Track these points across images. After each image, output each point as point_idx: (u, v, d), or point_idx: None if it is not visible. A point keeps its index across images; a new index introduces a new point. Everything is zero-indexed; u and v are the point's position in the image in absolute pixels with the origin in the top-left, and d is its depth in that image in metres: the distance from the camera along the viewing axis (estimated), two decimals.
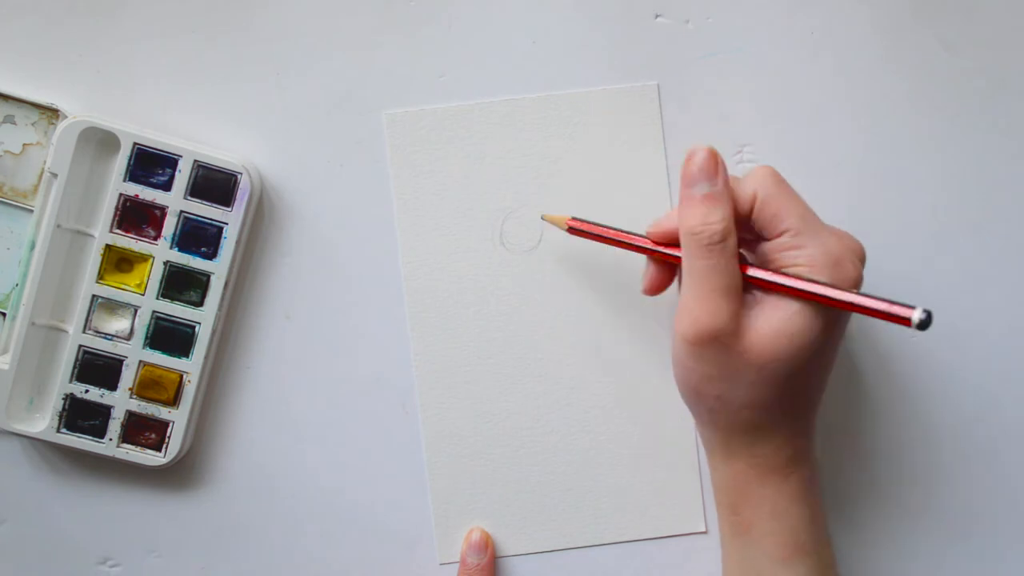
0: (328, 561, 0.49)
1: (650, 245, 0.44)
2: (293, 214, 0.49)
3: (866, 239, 0.49)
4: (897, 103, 0.49)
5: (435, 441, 0.49)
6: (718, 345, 0.41)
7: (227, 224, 0.47)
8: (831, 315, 0.41)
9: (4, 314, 0.48)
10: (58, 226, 0.46)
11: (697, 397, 0.43)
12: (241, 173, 0.47)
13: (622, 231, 0.45)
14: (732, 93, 0.49)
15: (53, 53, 0.48)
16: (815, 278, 0.40)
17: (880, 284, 0.49)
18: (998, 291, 0.49)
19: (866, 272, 0.49)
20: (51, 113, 0.47)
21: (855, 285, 0.41)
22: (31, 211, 0.47)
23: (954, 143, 0.49)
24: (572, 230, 0.46)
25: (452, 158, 0.49)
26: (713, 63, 0.49)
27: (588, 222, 0.46)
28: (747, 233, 0.43)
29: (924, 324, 0.38)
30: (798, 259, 0.41)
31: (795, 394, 0.42)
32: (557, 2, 0.48)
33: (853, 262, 0.41)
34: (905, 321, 0.38)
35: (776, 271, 0.41)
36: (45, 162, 0.47)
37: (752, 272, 0.41)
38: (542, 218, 0.48)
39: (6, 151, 0.47)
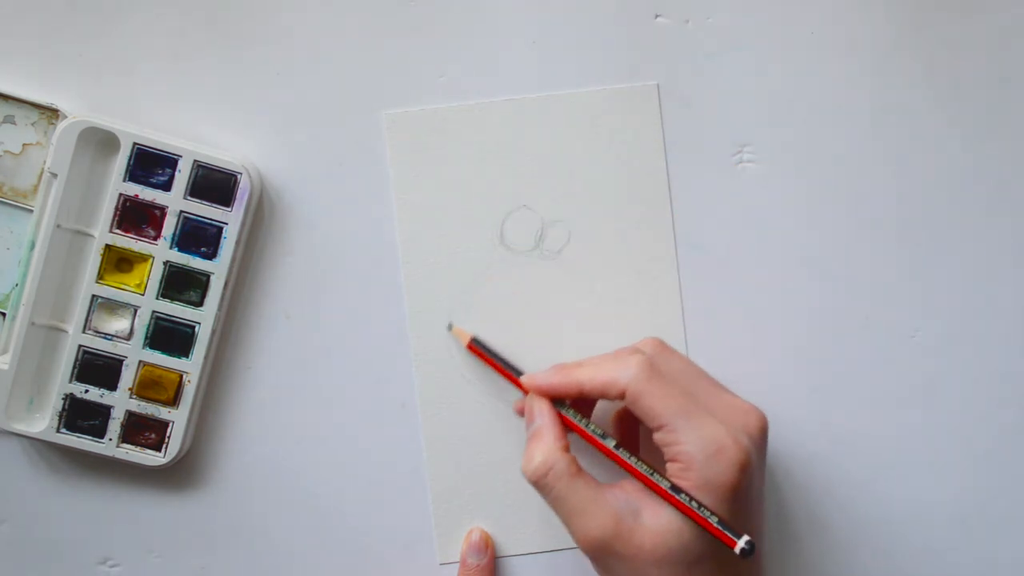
0: (328, 561, 0.49)
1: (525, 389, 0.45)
2: (293, 214, 0.49)
3: (865, 239, 0.49)
4: (896, 102, 0.49)
5: (435, 441, 0.49)
6: (609, 552, 0.41)
7: (227, 224, 0.47)
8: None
9: (4, 314, 0.48)
10: (58, 226, 0.46)
11: None
12: (241, 173, 0.47)
13: (509, 367, 0.47)
14: (732, 93, 0.49)
15: (53, 53, 0.48)
16: (666, 479, 0.41)
17: (879, 285, 0.49)
18: (998, 293, 0.49)
19: (863, 275, 0.49)
20: (51, 113, 0.47)
21: (741, 469, 0.41)
22: (31, 211, 0.47)
23: (954, 143, 0.49)
24: (471, 349, 0.48)
25: (452, 158, 0.49)
26: (713, 63, 0.49)
27: (485, 349, 0.47)
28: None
29: (746, 553, 0.40)
30: (677, 454, 0.41)
31: None
32: (557, 2, 0.48)
33: (738, 445, 0.41)
34: (731, 543, 0.40)
35: (625, 452, 0.43)
36: (45, 162, 0.47)
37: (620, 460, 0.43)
38: (448, 328, 0.49)
39: (6, 151, 0.47)
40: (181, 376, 0.47)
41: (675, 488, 0.41)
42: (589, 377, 0.43)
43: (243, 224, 0.47)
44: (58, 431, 0.47)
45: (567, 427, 0.44)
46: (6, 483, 0.49)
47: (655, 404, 0.41)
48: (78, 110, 0.48)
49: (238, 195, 0.47)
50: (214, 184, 0.47)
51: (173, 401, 0.47)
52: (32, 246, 0.47)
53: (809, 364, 0.49)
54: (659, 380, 0.42)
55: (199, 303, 0.47)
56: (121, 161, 0.47)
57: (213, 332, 0.47)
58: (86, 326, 0.47)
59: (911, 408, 0.49)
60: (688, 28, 0.49)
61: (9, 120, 0.47)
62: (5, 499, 0.49)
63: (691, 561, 0.41)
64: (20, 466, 0.49)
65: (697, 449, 0.41)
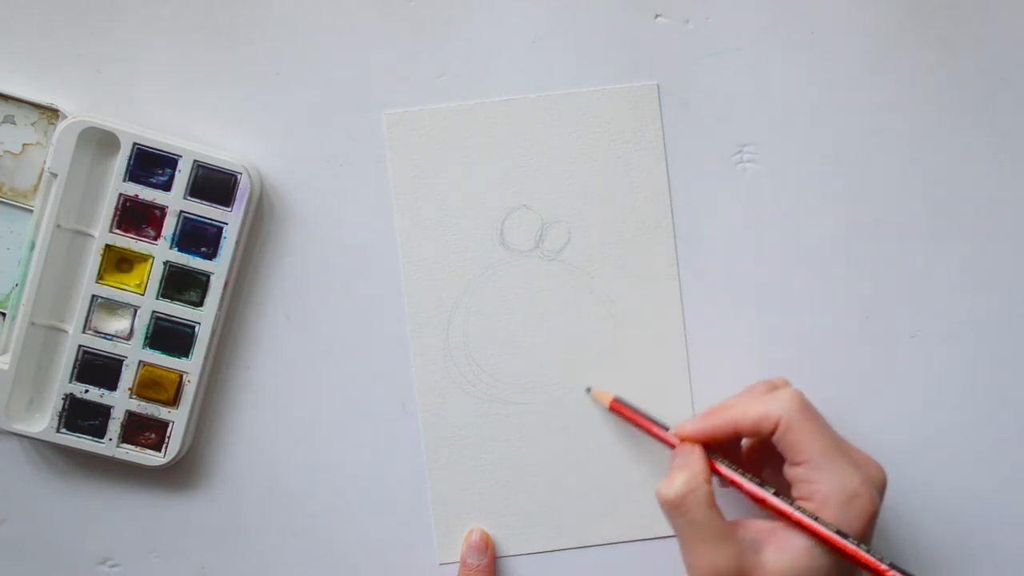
0: (328, 561, 0.49)
1: (674, 441, 0.45)
2: (293, 214, 0.49)
3: (865, 239, 0.49)
4: (897, 103, 0.49)
5: (435, 441, 0.49)
6: None
7: (227, 224, 0.47)
8: (839, 554, 0.41)
9: (4, 314, 0.48)
10: (58, 226, 0.46)
11: None
12: (241, 173, 0.47)
13: (655, 422, 0.46)
14: (732, 93, 0.49)
15: (53, 53, 0.48)
16: (812, 516, 0.41)
17: (879, 285, 0.49)
18: (998, 293, 0.49)
19: (863, 275, 0.49)
20: (51, 113, 0.47)
21: (869, 519, 0.41)
22: (31, 211, 0.47)
23: (954, 143, 0.49)
24: (614, 408, 0.48)
25: (452, 158, 0.49)
26: (713, 63, 0.49)
27: (628, 407, 0.47)
28: (772, 453, 0.44)
29: None
30: (813, 493, 0.41)
31: None
32: (557, 2, 0.48)
33: (870, 496, 0.41)
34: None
35: (783, 500, 0.42)
36: (45, 162, 0.47)
37: (759, 493, 0.43)
38: (587, 391, 0.49)
39: (6, 151, 0.47)
40: (181, 376, 0.47)
41: (841, 533, 0.41)
42: (741, 414, 0.43)
43: (243, 224, 0.47)
44: (58, 431, 0.47)
45: (724, 480, 0.44)
46: (6, 483, 0.49)
47: (804, 439, 0.42)
48: (78, 110, 0.48)
49: (238, 195, 0.47)
50: (214, 184, 0.47)
51: (173, 401, 0.47)
52: (32, 246, 0.47)
53: (809, 364, 0.49)
54: (810, 414, 0.42)
55: (199, 303, 0.47)
56: (121, 161, 0.47)
57: (213, 332, 0.47)
58: (86, 326, 0.47)
59: (911, 408, 0.49)
60: (688, 28, 0.49)
61: (9, 120, 0.47)
62: (5, 499, 0.49)
63: None
64: (20, 466, 0.49)
65: (835, 492, 0.41)
